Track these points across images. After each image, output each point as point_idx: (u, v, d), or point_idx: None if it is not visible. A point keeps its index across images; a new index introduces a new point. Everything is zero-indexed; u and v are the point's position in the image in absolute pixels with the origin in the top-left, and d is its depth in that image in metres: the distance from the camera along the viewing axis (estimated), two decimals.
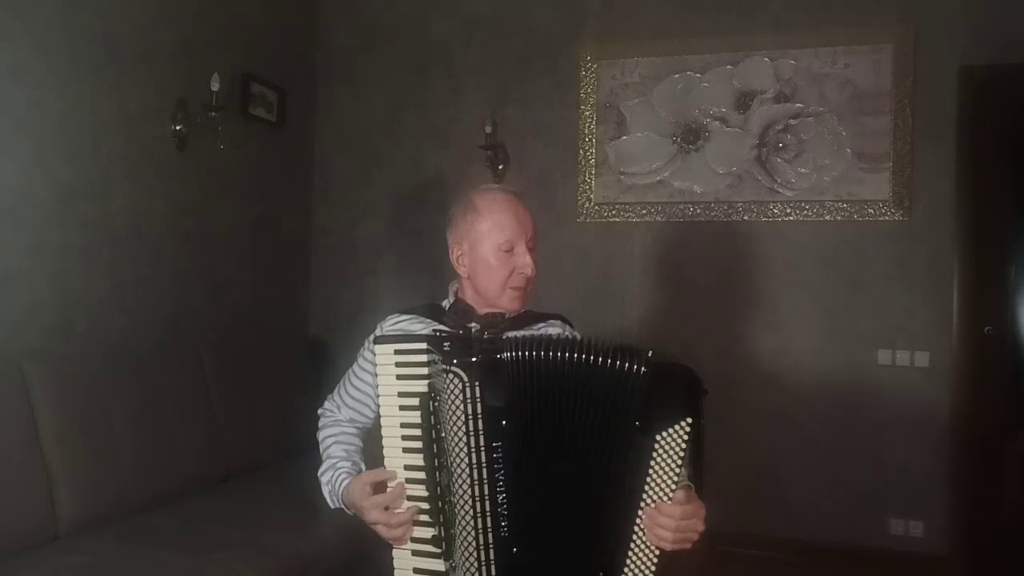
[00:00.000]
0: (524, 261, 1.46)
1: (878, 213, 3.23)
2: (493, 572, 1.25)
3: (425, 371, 1.31)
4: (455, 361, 1.23)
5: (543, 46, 3.63)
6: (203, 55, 3.08)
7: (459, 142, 3.71)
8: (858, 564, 3.12)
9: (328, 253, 3.94)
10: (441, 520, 1.30)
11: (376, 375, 1.37)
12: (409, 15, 3.83)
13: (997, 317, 3.12)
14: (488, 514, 1.23)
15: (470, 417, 1.22)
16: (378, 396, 1.37)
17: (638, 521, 1.22)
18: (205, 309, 3.18)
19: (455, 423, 1.23)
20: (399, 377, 1.34)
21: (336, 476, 1.49)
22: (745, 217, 3.38)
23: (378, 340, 1.39)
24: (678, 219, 3.46)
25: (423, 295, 1.68)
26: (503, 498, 1.23)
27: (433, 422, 1.28)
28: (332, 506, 1.51)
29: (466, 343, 1.27)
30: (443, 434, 1.26)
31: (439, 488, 1.30)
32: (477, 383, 1.22)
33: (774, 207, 3.35)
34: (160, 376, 2.62)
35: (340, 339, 3.68)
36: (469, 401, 1.22)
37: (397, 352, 1.35)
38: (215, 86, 2.94)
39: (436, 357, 1.27)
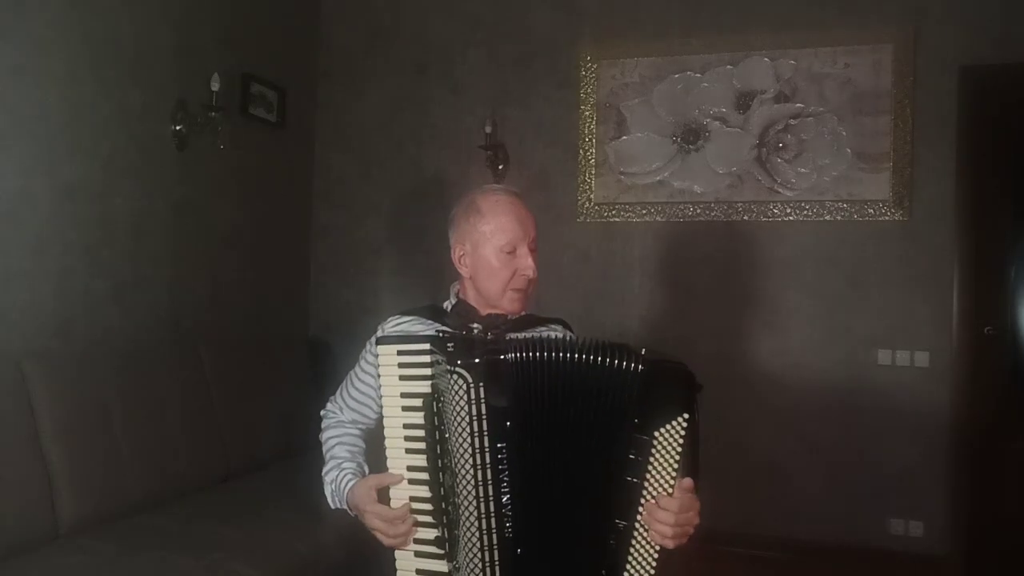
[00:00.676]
0: (526, 263, 1.47)
1: (878, 213, 3.23)
2: (498, 573, 1.25)
3: (428, 372, 1.31)
4: (459, 362, 1.23)
5: (543, 46, 3.63)
6: (203, 55, 3.08)
7: (459, 142, 3.71)
8: (858, 564, 3.12)
9: (328, 253, 3.93)
10: (444, 521, 1.30)
11: (379, 376, 1.37)
12: (409, 15, 3.83)
13: (997, 317, 3.12)
14: (493, 515, 1.24)
15: (474, 418, 1.22)
16: (381, 397, 1.37)
17: (638, 518, 1.24)
18: (205, 309, 3.18)
19: (459, 424, 1.23)
20: (402, 378, 1.34)
21: (340, 476, 1.49)
22: (745, 217, 3.39)
23: (381, 340, 1.39)
24: (678, 219, 3.46)
25: (423, 294, 1.69)
26: (507, 498, 1.24)
27: (436, 423, 1.28)
28: (333, 506, 1.51)
29: (469, 344, 1.28)
30: (447, 435, 1.27)
31: (442, 489, 1.30)
32: (481, 384, 1.22)
33: (774, 207, 3.35)
34: (160, 376, 2.62)
35: (340, 339, 3.67)
36: (473, 402, 1.22)
37: (400, 353, 1.35)
38: (215, 86, 2.94)
39: (440, 358, 1.27)
